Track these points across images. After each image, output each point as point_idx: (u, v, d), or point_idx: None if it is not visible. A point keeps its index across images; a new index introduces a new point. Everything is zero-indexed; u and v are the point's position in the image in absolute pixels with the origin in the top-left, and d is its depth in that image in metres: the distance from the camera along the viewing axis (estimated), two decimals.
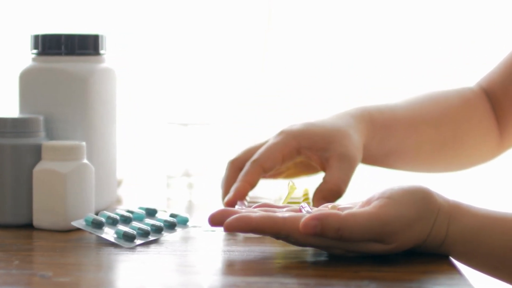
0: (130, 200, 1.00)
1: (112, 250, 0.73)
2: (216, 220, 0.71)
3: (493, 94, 1.03)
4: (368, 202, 0.71)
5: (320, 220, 0.67)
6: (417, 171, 1.04)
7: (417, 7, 1.71)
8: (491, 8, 1.71)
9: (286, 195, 0.86)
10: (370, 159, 0.96)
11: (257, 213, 0.71)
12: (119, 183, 1.02)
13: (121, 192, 1.03)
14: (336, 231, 0.67)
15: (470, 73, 1.77)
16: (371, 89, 1.82)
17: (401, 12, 1.71)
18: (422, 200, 0.69)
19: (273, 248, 0.75)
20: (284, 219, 0.69)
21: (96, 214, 0.81)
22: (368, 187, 0.87)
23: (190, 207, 0.97)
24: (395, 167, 1.00)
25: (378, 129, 0.95)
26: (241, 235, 0.78)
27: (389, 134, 0.96)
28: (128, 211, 0.82)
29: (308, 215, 0.68)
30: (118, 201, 0.98)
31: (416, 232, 0.69)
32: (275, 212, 0.73)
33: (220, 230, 0.70)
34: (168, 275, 0.67)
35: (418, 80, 1.76)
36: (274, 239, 0.75)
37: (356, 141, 0.89)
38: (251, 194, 0.87)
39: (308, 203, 0.82)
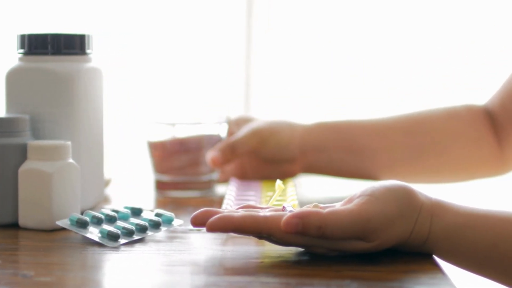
0: (118, 199, 0.99)
1: (96, 249, 0.73)
2: (198, 220, 0.71)
3: (493, 114, 1.02)
4: (350, 200, 0.70)
5: (301, 218, 0.67)
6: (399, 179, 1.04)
7: (417, 7, 1.71)
8: (491, 8, 1.71)
9: (274, 194, 0.85)
10: (337, 160, 1.01)
11: (239, 213, 0.71)
12: (107, 182, 1.02)
13: (109, 191, 1.03)
14: (318, 229, 0.67)
15: (469, 73, 1.76)
16: (370, 89, 1.81)
17: (401, 12, 1.71)
18: (404, 197, 0.69)
19: (256, 247, 0.74)
20: (266, 218, 0.69)
21: (82, 213, 0.81)
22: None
23: (177, 207, 0.96)
24: (374, 172, 1.01)
25: (333, 131, 1.02)
26: (225, 235, 0.78)
27: (348, 134, 1.02)
28: (113, 211, 0.82)
29: (289, 214, 0.68)
30: (106, 201, 0.98)
31: (398, 229, 0.69)
32: (257, 212, 0.73)
33: (205, 230, 0.70)
34: (151, 274, 0.67)
35: (417, 80, 1.76)
36: (257, 239, 0.74)
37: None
38: (238, 196, 0.87)
39: (294, 205, 0.81)
